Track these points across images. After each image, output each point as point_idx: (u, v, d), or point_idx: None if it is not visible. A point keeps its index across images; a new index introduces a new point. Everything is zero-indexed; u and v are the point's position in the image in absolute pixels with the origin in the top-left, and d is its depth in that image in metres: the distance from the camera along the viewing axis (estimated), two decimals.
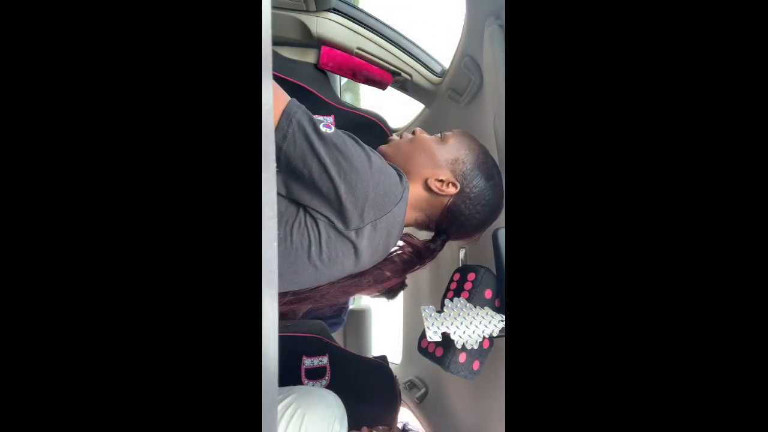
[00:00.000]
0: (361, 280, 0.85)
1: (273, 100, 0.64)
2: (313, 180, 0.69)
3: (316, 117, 0.71)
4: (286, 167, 0.70)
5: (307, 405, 0.89)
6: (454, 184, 0.82)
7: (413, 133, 0.88)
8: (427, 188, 0.82)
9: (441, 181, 0.82)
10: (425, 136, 0.87)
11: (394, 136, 0.89)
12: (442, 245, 0.89)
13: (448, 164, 0.83)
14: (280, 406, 0.88)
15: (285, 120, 0.68)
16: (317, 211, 0.71)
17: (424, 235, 0.91)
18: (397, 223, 0.77)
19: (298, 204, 0.72)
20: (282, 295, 0.83)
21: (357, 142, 0.73)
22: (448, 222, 0.85)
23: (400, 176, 0.76)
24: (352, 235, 0.73)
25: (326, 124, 0.72)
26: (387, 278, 0.87)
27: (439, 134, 0.87)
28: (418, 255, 0.88)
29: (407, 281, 1.61)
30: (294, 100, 0.70)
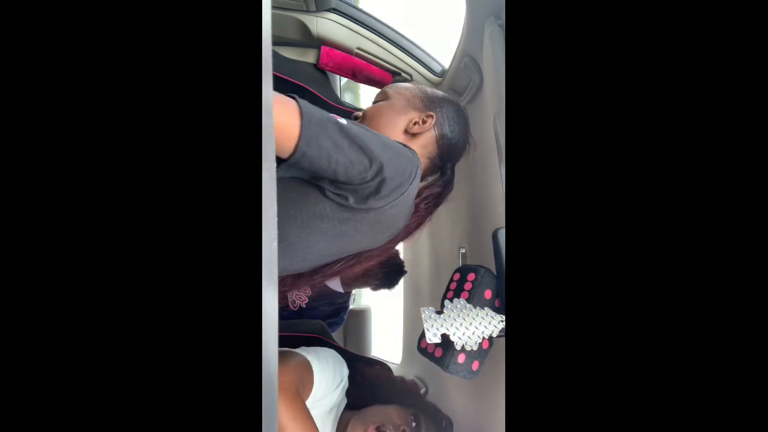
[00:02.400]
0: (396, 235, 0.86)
1: (281, 108, 0.63)
2: (338, 171, 0.68)
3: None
4: (309, 170, 0.68)
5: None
6: (428, 115, 0.86)
7: (357, 117, 0.91)
8: (412, 135, 0.86)
9: (416, 122, 0.86)
10: (369, 108, 0.91)
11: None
12: (453, 171, 0.92)
13: (408, 108, 0.88)
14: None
15: (306, 124, 0.65)
16: (338, 194, 0.71)
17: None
18: (413, 196, 0.79)
19: (315, 184, 0.72)
20: (331, 265, 0.85)
21: (367, 130, 0.73)
22: (445, 149, 0.89)
23: (411, 151, 0.78)
24: (372, 214, 0.73)
25: (335, 117, 0.70)
26: (418, 226, 0.89)
27: (376, 100, 0.92)
28: (440, 196, 0.90)
29: (406, 267, 1.63)
30: (303, 102, 0.68)
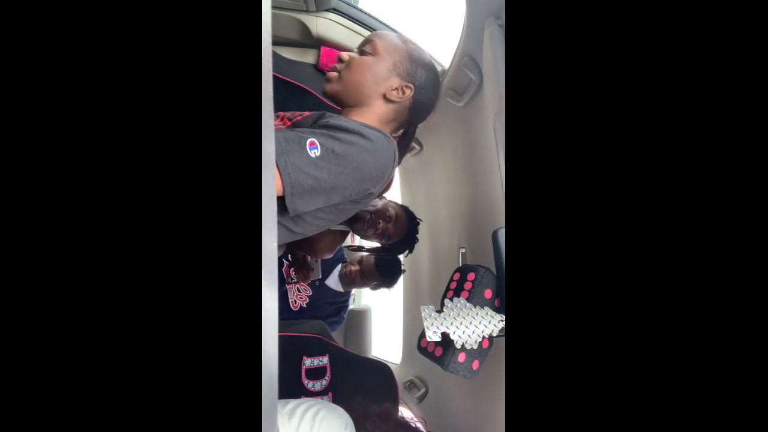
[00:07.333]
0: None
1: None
2: (331, 189, 0.79)
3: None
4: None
5: (322, 407, 0.93)
6: (407, 86, 0.92)
7: (342, 60, 0.93)
8: (389, 101, 0.92)
9: (396, 89, 0.91)
10: (356, 57, 0.93)
11: (332, 73, 0.93)
12: (414, 133, 1.04)
13: (391, 73, 0.92)
14: (291, 405, 0.92)
15: (285, 177, 0.75)
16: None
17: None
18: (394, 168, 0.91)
19: None
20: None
21: (342, 142, 0.79)
22: (415, 115, 0.97)
23: (385, 136, 0.85)
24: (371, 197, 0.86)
25: (311, 143, 0.76)
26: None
27: (364, 49, 0.93)
28: (403, 148, 1.01)
29: (404, 266, 1.64)
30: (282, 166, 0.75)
